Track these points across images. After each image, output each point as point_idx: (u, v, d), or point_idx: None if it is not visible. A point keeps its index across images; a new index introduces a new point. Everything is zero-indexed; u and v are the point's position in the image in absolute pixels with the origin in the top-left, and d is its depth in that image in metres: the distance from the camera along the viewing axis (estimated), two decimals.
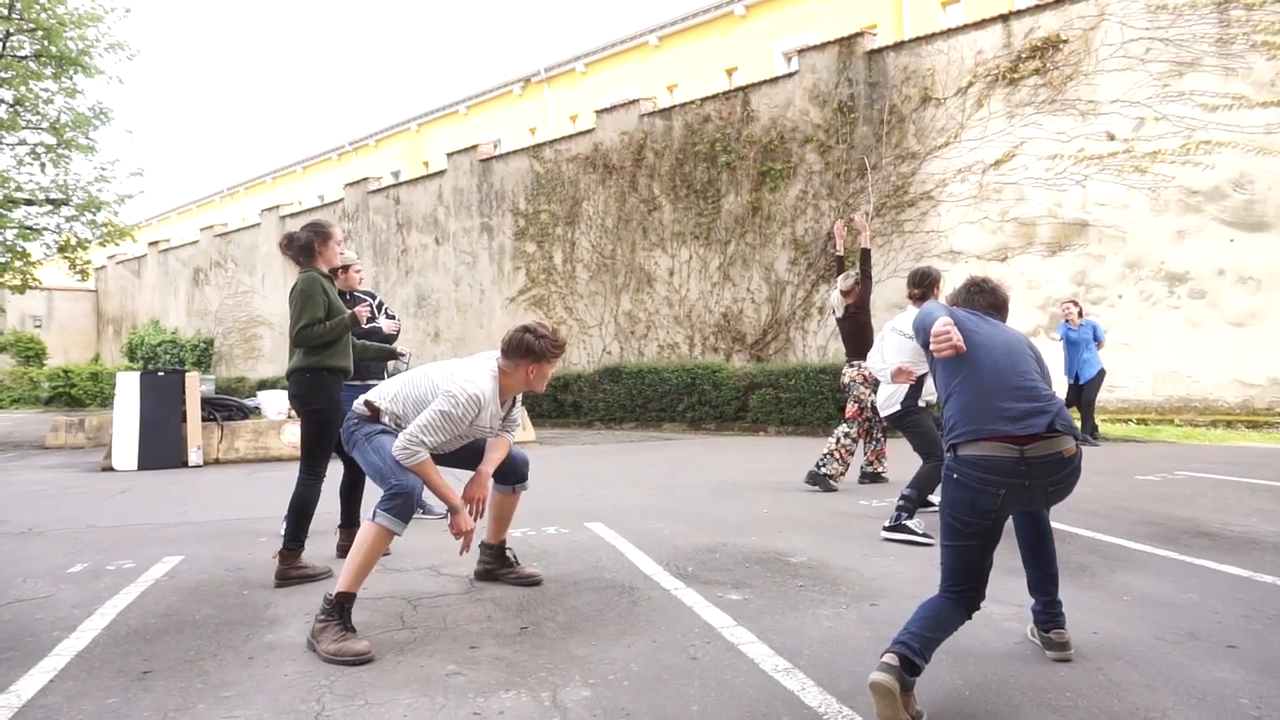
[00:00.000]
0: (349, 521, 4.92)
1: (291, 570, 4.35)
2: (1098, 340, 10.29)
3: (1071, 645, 3.05)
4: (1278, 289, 10.97)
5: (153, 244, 33.06)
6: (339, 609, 3.30)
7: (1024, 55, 12.75)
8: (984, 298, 3.23)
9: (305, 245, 4.52)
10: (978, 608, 2.80)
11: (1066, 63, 12.39)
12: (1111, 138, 12.03)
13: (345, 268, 5.77)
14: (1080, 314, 10.42)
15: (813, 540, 5.11)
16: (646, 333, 17.33)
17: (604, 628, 3.53)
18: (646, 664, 3.09)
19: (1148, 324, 11.83)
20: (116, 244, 16.91)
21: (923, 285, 5.30)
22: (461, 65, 55.56)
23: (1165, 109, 11.63)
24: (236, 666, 3.17)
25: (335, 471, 4.62)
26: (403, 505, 3.44)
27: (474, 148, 21.26)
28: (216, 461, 10.63)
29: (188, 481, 8.93)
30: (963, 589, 2.77)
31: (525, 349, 3.67)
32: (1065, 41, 12.39)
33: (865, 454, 7.45)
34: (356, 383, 5.40)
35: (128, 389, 10.41)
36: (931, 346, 2.87)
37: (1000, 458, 2.69)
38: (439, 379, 3.72)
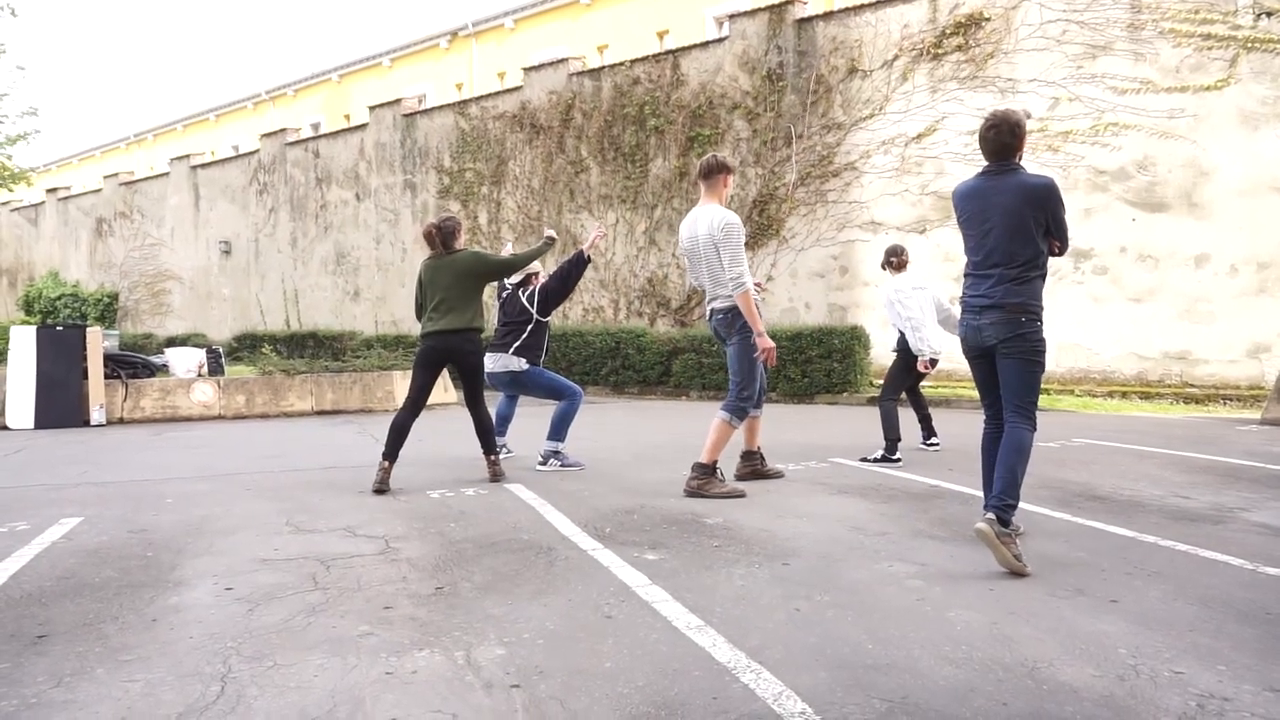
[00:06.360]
0: (488, 449, 6.04)
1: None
2: None
3: (989, 531, 3.62)
4: (1173, 268, 11.55)
5: (51, 191, 31.19)
6: (712, 469, 5.32)
7: (948, 31, 12.98)
8: (988, 144, 3.83)
9: (453, 231, 5.87)
10: (1003, 424, 3.83)
11: (988, 40, 12.67)
12: (1028, 116, 12.34)
13: (536, 273, 6.82)
14: None
15: (729, 502, 5.21)
16: (571, 296, 17.23)
17: (520, 587, 3.55)
18: (562, 622, 3.13)
19: (1054, 298, 12.23)
20: (10, 189, 15.93)
21: (899, 255, 7.06)
22: (385, 15, 53.59)
23: (1078, 90, 12.02)
24: (139, 629, 3.08)
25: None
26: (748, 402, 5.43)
27: (398, 102, 20.63)
28: (121, 421, 10.20)
29: (89, 441, 8.56)
30: (989, 404, 3.98)
31: (719, 165, 5.60)
32: (987, 19, 12.66)
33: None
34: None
35: (23, 344, 9.92)
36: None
37: (966, 307, 3.98)
38: (701, 231, 5.51)
